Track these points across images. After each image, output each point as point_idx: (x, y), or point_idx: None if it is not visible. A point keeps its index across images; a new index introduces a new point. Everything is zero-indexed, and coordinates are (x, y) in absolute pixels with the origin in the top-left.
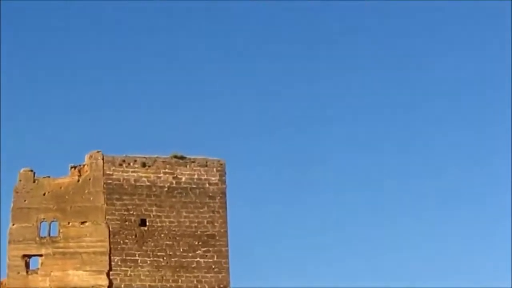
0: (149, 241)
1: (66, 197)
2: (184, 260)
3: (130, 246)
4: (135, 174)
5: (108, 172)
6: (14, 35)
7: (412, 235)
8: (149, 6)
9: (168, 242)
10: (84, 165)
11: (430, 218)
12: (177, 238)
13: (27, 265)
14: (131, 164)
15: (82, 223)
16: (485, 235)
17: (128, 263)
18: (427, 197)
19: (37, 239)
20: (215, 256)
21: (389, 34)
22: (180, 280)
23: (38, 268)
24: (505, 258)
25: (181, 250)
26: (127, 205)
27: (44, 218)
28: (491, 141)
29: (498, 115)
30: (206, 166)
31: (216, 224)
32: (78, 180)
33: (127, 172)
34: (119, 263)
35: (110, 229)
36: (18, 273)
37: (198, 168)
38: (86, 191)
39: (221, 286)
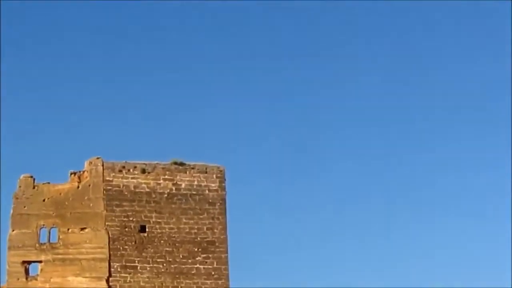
0: (149, 247)
1: (66, 203)
2: (183, 266)
3: (129, 252)
4: (135, 180)
5: (108, 179)
6: (14, 35)
7: (412, 235)
8: (149, 8)
9: (167, 249)
10: (84, 172)
11: (430, 218)
12: (177, 244)
13: (26, 272)
14: (131, 170)
15: (82, 229)
16: (485, 235)
17: (128, 269)
18: (427, 196)
19: (37, 245)
20: (215, 263)
21: (389, 34)
22: (179, 287)
23: (37, 274)
24: (505, 258)
25: (181, 256)
26: (126, 212)
27: (43, 224)
28: (491, 141)
29: (498, 115)
30: (206, 172)
31: (215, 230)
32: (78, 187)
33: (127, 178)
34: (118, 270)
35: (110, 235)
36: (18, 279)
37: (198, 174)
38: (86, 198)
39: None
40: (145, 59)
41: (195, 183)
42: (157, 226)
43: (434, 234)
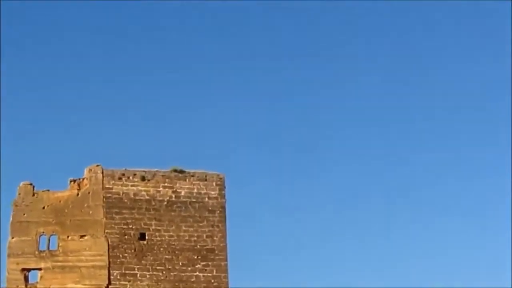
0: (149, 255)
1: (66, 210)
2: (183, 274)
3: (129, 260)
4: (134, 188)
5: (107, 186)
6: (14, 35)
7: (412, 235)
8: (149, 8)
9: (167, 256)
10: (83, 179)
11: (430, 218)
12: (177, 252)
13: (26, 279)
14: (131, 178)
15: (81, 236)
16: (485, 235)
17: (127, 277)
18: (427, 197)
19: (36, 252)
20: (214, 271)
21: (389, 34)
22: None
23: (37, 282)
24: (505, 258)
25: (180, 264)
26: (126, 219)
27: (43, 232)
28: (491, 141)
29: (498, 115)
30: (206, 180)
31: (215, 238)
32: (78, 194)
33: (126, 186)
34: (118, 277)
35: (110, 243)
36: (17, 286)
37: (198, 182)
38: (86, 205)
39: None
40: (145, 59)
41: (195, 190)
42: (157, 233)
43: (434, 234)
